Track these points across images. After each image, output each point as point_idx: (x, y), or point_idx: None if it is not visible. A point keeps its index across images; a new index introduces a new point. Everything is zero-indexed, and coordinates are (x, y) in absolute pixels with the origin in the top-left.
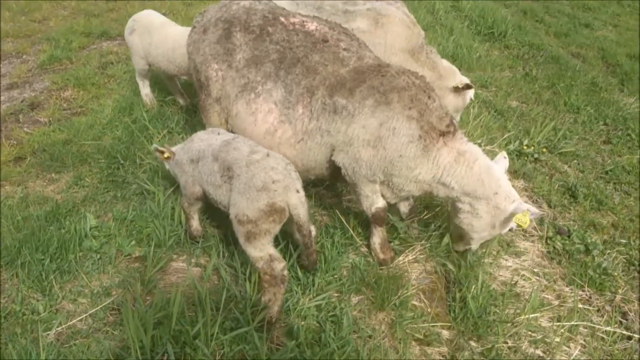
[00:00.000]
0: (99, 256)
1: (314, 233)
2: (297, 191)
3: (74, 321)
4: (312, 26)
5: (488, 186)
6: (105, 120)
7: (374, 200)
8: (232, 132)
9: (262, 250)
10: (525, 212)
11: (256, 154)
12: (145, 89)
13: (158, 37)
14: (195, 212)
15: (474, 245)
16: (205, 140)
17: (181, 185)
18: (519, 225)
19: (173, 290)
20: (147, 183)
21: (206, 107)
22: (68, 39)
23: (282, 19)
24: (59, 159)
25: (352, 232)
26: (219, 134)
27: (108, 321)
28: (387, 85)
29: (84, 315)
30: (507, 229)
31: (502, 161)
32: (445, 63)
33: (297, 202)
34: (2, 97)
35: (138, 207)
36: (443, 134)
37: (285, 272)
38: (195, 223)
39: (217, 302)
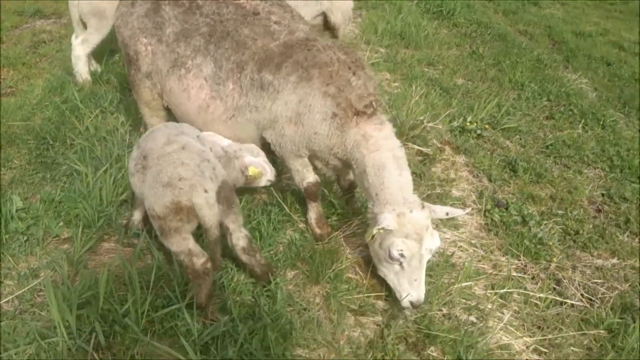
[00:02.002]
0: (25, 238)
1: (242, 243)
2: (205, 191)
3: (0, 303)
4: None
5: (372, 183)
6: (35, 100)
7: (304, 175)
8: (167, 107)
9: (180, 246)
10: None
11: (171, 145)
12: (84, 67)
13: None
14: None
15: (379, 271)
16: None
17: None
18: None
19: (101, 270)
20: (77, 163)
21: (136, 83)
22: None
23: None
24: None
25: (287, 209)
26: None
27: (35, 302)
28: (311, 60)
29: (10, 297)
30: (395, 253)
31: (440, 209)
32: None
33: (203, 203)
34: None
35: (67, 188)
36: (358, 113)
37: (208, 266)
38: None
39: (148, 280)
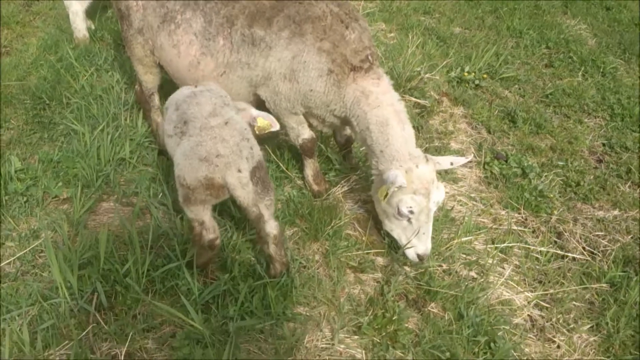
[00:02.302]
0: (25, 199)
1: (274, 232)
2: (239, 171)
3: (2, 264)
4: None
5: (376, 141)
6: (30, 59)
7: (299, 132)
8: (159, 64)
9: (197, 215)
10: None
11: (215, 118)
12: (82, 23)
13: None
14: None
15: (385, 226)
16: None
17: None
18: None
19: (101, 230)
20: (74, 123)
21: (128, 39)
22: None
23: None
24: None
25: (281, 165)
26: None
27: (36, 263)
28: (303, 14)
29: (12, 258)
30: (404, 210)
31: (444, 160)
32: None
33: (236, 183)
34: None
35: (65, 148)
36: (354, 68)
37: (216, 243)
38: None
39: (148, 240)
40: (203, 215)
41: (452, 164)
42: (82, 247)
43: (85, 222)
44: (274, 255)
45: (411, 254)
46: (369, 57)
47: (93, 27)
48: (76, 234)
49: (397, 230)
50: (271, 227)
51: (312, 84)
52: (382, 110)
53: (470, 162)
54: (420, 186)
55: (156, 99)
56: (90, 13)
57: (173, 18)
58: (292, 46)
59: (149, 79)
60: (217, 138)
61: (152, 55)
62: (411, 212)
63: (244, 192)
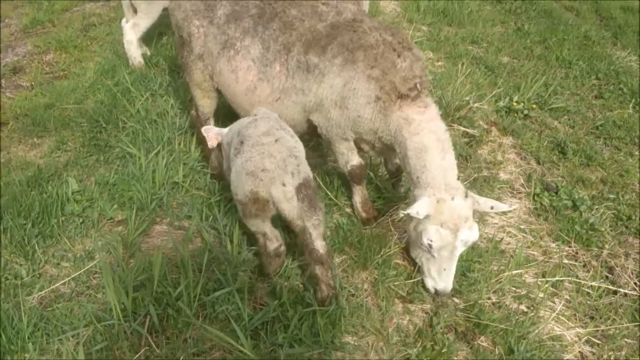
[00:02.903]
0: (81, 220)
1: (322, 251)
2: (283, 184)
3: (56, 285)
4: None
5: (413, 167)
6: (87, 83)
7: (349, 158)
8: (217, 89)
9: (258, 228)
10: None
11: (268, 136)
12: (137, 50)
13: None
14: None
15: (412, 252)
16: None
17: None
18: None
19: (155, 253)
20: (129, 146)
21: (189, 64)
22: (50, 2)
23: None
24: (41, 124)
25: (328, 192)
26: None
27: (91, 284)
28: (357, 42)
29: (67, 279)
30: (424, 241)
31: (484, 202)
32: None
33: (280, 196)
34: None
35: (120, 170)
36: (401, 96)
37: (281, 250)
38: None
39: (200, 264)
40: (264, 227)
41: (492, 207)
42: (136, 270)
43: (139, 245)
44: (320, 276)
45: (430, 285)
46: (417, 86)
47: (149, 53)
48: (130, 255)
49: (421, 258)
50: (318, 246)
51: (360, 110)
52: (422, 137)
53: (520, 193)
54: (450, 220)
55: (212, 124)
56: (146, 40)
57: (233, 45)
58: (344, 73)
59: (206, 104)
60: (265, 153)
61: (211, 80)
62: (430, 245)
63: (289, 205)
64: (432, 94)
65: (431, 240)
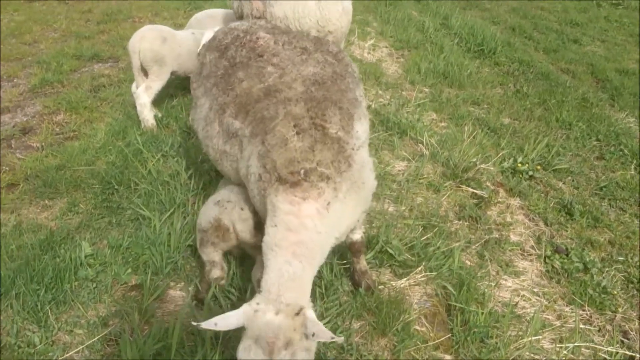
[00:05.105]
0: (94, 285)
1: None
2: (242, 209)
3: (70, 353)
4: (261, 40)
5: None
6: (98, 144)
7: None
8: None
9: (209, 257)
10: None
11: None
12: (150, 113)
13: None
14: None
15: None
16: None
17: None
18: None
19: (171, 320)
20: (142, 208)
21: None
22: (59, 62)
23: (247, 36)
24: (52, 185)
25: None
26: None
27: (105, 353)
28: (262, 111)
29: (81, 347)
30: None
31: (311, 325)
32: None
33: (237, 218)
34: None
35: (134, 233)
36: (280, 179)
37: (222, 283)
38: None
39: (217, 332)
40: (215, 257)
41: (314, 335)
42: (152, 337)
43: (154, 311)
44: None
45: None
46: (302, 172)
47: (160, 114)
48: (145, 322)
49: None
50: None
51: (252, 189)
52: (276, 232)
53: (531, 255)
54: (264, 338)
55: None
56: (157, 102)
57: (196, 104)
58: (250, 146)
59: None
60: (234, 189)
61: None
62: None
63: (243, 225)
64: (439, 155)
65: (241, 358)
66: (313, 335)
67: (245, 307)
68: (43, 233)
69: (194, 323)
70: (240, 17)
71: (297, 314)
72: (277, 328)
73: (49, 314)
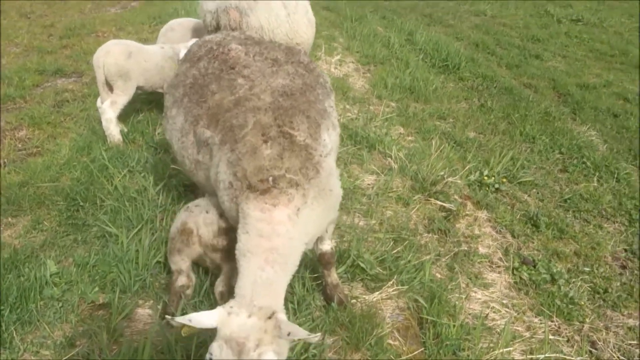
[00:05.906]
0: (61, 304)
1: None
2: (207, 212)
3: None
4: (233, 52)
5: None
6: (62, 160)
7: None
8: None
9: (177, 265)
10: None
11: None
12: (116, 128)
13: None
14: None
15: None
16: None
17: None
18: None
19: (141, 339)
20: (108, 225)
21: None
22: (21, 77)
23: (220, 48)
24: (15, 202)
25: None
26: None
27: None
28: (231, 120)
29: None
30: (207, 355)
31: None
32: None
33: (201, 222)
34: None
35: (100, 251)
36: (250, 187)
37: (187, 292)
38: None
39: (188, 349)
40: (183, 265)
41: (289, 334)
42: (121, 358)
43: (122, 330)
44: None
45: None
46: (271, 180)
47: (125, 129)
48: (113, 341)
49: None
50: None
51: (222, 195)
52: (249, 238)
53: (499, 267)
54: (235, 339)
55: None
56: (122, 116)
57: (166, 115)
58: (219, 153)
59: None
60: (207, 196)
61: None
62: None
63: (206, 230)
64: (407, 169)
65: (211, 355)
66: (289, 334)
67: (219, 309)
68: (6, 252)
69: (167, 317)
70: (215, 29)
71: (270, 317)
72: (248, 329)
73: (14, 334)
